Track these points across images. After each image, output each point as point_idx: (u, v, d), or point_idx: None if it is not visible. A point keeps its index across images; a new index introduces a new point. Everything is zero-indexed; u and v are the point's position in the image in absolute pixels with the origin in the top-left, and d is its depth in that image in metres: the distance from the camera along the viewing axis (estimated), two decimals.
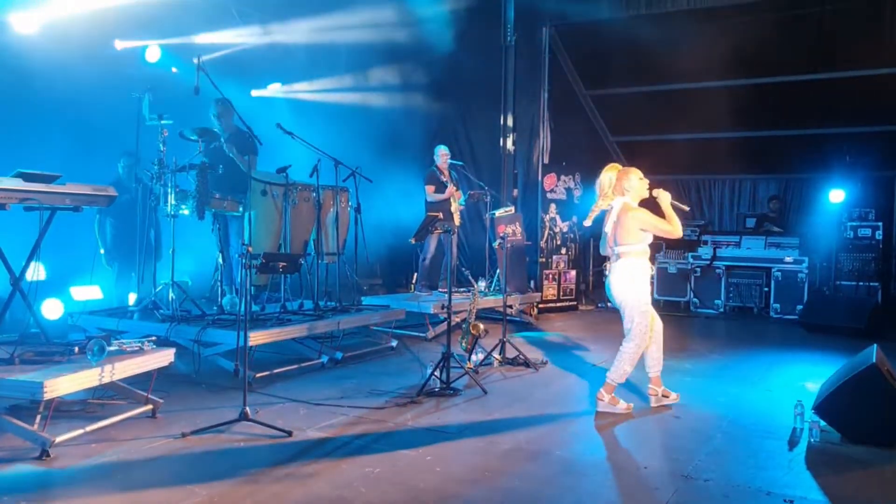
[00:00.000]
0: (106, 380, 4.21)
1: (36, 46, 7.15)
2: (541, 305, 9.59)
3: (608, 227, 4.96)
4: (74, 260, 7.06)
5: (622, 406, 4.93)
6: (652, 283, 10.34)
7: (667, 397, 5.14)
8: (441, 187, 8.25)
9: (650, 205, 4.98)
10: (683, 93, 10.50)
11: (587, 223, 5.17)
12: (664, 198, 4.95)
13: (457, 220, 8.33)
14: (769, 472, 3.85)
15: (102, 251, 7.16)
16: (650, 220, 4.84)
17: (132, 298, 6.92)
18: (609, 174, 4.97)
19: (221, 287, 6.59)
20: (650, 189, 4.99)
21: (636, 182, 4.91)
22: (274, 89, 10.20)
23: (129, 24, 7.90)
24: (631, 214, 4.84)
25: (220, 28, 8.66)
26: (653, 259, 10.36)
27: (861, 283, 9.39)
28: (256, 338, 5.43)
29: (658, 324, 5.09)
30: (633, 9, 9.40)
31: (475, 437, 4.40)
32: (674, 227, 4.85)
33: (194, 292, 6.79)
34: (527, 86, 10.30)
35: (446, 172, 8.34)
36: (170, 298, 5.95)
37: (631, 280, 4.86)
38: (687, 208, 4.99)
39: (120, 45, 8.04)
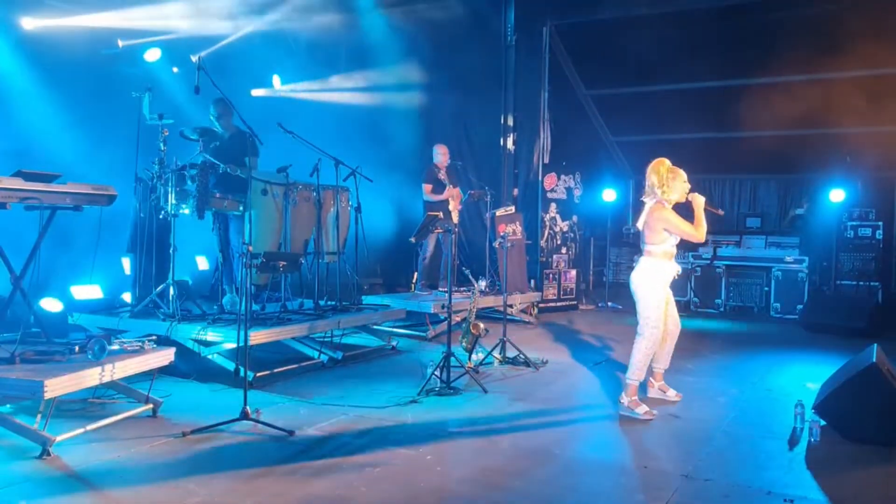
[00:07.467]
0: (106, 379, 4.22)
1: (35, 45, 7.14)
2: (541, 305, 9.59)
3: (640, 223, 5.01)
4: (74, 259, 7.05)
5: (642, 409, 4.81)
6: None
7: (664, 392, 5.20)
8: (439, 186, 8.23)
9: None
10: (684, 93, 10.47)
11: (639, 225, 5.04)
12: (699, 202, 4.96)
13: (455, 218, 8.33)
14: (769, 472, 3.85)
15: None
16: (675, 222, 4.84)
17: (127, 297, 6.90)
18: (655, 172, 4.91)
19: (222, 286, 6.58)
20: (688, 193, 4.99)
21: (679, 184, 4.91)
22: (274, 88, 10.18)
23: (130, 22, 7.89)
24: (657, 215, 4.86)
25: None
26: None
27: (861, 283, 9.40)
28: (257, 337, 5.43)
29: (673, 323, 5.11)
30: (634, 9, 9.39)
31: (475, 436, 4.41)
32: (697, 232, 4.87)
33: (194, 291, 6.78)
34: (527, 85, 10.29)
35: (445, 171, 8.33)
36: (170, 297, 5.95)
37: (648, 278, 4.89)
38: (721, 212, 5.08)
39: (120, 43, 8.03)
